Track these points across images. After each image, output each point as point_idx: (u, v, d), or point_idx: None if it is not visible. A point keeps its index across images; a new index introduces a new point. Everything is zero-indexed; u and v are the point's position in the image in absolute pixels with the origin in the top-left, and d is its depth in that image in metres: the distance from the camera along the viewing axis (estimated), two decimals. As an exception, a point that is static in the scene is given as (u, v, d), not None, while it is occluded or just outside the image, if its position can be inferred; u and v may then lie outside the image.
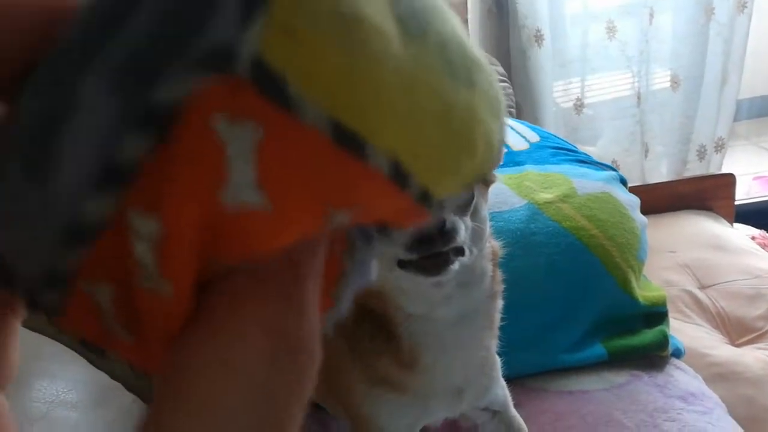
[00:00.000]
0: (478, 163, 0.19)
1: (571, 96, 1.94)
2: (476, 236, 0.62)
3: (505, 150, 1.28)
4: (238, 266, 0.17)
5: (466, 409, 0.78)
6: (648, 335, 1.08)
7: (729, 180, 1.77)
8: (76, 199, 0.15)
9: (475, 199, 0.62)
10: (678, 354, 1.10)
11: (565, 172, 1.19)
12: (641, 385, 0.99)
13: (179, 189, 0.15)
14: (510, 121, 1.42)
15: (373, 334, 0.68)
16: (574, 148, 1.34)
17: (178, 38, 0.14)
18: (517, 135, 1.34)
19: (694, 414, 0.94)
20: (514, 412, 0.80)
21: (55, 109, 0.15)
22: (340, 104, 0.15)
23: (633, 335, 1.08)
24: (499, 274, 0.71)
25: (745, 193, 2.13)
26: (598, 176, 1.21)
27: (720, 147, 1.92)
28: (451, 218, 0.56)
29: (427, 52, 0.16)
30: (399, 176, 0.16)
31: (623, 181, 1.26)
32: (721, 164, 1.94)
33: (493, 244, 0.70)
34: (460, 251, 0.59)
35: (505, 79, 1.73)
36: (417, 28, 0.16)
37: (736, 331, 1.47)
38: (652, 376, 1.02)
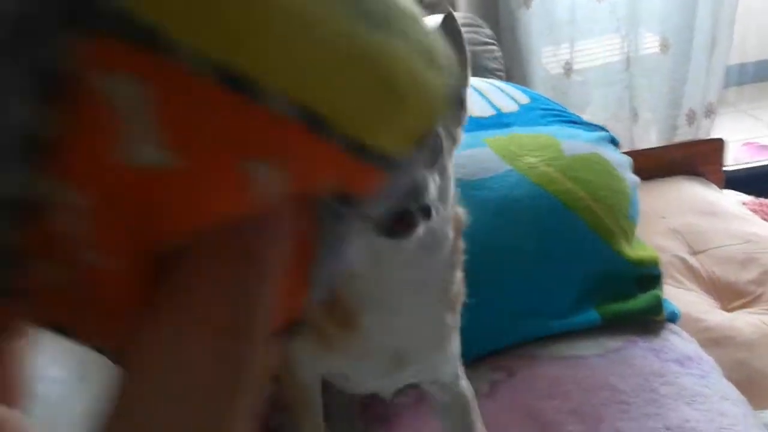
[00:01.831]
0: (416, 113, 0.19)
1: (560, 60, 1.90)
2: (442, 195, 0.56)
3: (494, 112, 1.24)
4: (189, 248, 0.17)
5: (409, 381, 0.74)
6: (642, 299, 1.05)
7: (719, 145, 1.75)
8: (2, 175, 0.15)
9: (442, 154, 0.57)
10: (673, 318, 1.08)
11: (553, 133, 1.16)
12: (636, 350, 0.97)
13: (81, 153, 0.15)
14: (500, 83, 1.38)
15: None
16: (564, 110, 1.31)
17: (56, 3, 0.14)
18: (506, 96, 1.29)
19: (690, 377, 0.92)
20: (463, 384, 0.76)
21: None
22: (223, 47, 0.14)
23: (626, 300, 1.06)
24: (461, 245, 0.66)
25: (733, 160, 2.11)
26: (587, 137, 1.18)
27: (710, 112, 1.89)
28: (421, 173, 0.51)
29: None
30: (313, 122, 0.16)
31: (614, 142, 1.23)
32: (710, 129, 1.92)
33: (457, 212, 0.64)
34: (427, 211, 0.52)
35: (493, 41, 1.68)
36: None
37: (728, 296, 1.45)
38: (648, 341, 1.00)
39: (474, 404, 0.77)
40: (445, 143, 0.58)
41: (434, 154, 0.55)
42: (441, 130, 0.58)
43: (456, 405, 0.76)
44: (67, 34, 0.14)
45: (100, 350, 0.22)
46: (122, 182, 0.16)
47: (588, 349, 0.98)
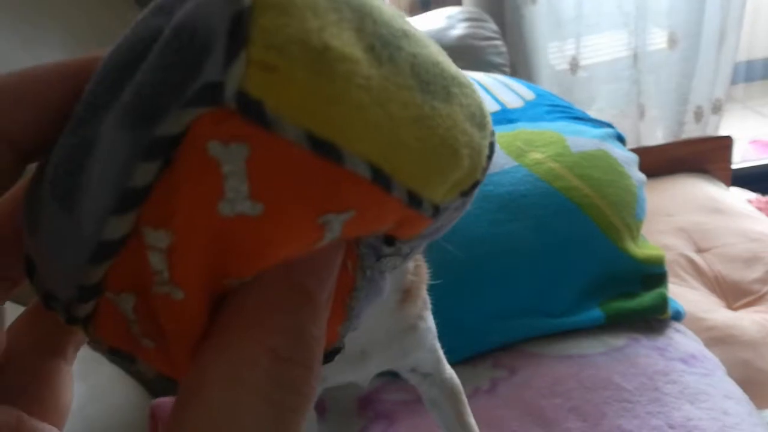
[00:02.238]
0: (467, 169, 0.22)
1: (566, 56, 1.89)
2: None
3: (499, 108, 1.23)
4: (251, 283, 0.20)
5: (383, 368, 0.74)
6: (646, 298, 1.04)
7: (726, 142, 1.74)
8: (100, 221, 0.18)
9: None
10: (678, 317, 1.07)
11: (559, 129, 1.15)
12: (640, 348, 0.96)
13: (184, 204, 0.18)
14: (504, 78, 1.37)
15: None
16: (570, 106, 1.29)
17: (178, 82, 0.17)
18: (511, 92, 1.28)
19: (695, 376, 0.91)
20: (447, 374, 0.76)
21: (80, 145, 0.19)
22: (312, 119, 0.18)
23: (631, 298, 1.05)
24: None
25: (740, 158, 2.10)
26: (593, 133, 1.17)
27: (717, 108, 1.87)
28: None
29: (398, 72, 0.19)
30: (381, 179, 0.19)
31: (621, 139, 1.22)
32: (718, 126, 1.90)
33: None
34: None
35: (498, 36, 1.67)
36: (387, 53, 0.19)
37: (733, 294, 1.44)
38: (652, 339, 0.99)
39: (463, 396, 0.76)
40: None
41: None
42: None
43: (445, 396, 0.76)
44: (189, 109, 0.17)
45: (161, 377, 0.24)
46: (211, 228, 0.18)
47: (591, 347, 0.97)
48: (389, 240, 0.23)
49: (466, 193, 0.24)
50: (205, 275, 0.19)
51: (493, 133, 0.24)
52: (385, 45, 0.20)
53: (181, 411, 0.19)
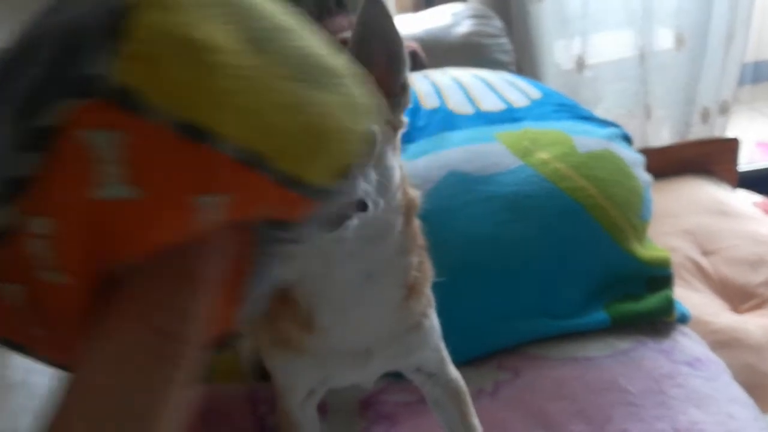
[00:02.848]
0: (340, 152, 0.24)
1: (572, 55, 1.87)
2: (381, 188, 0.55)
3: (505, 107, 1.21)
4: (138, 266, 0.21)
5: (388, 368, 0.74)
6: (652, 300, 1.04)
7: (733, 145, 1.72)
8: None
9: (377, 147, 0.55)
10: (683, 320, 1.06)
11: (565, 129, 1.14)
12: (646, 351, 0.95)
13: (61, 190, 0.18)
14: (510, 76, 1.36)
15: (275, 296, 0.62)
16: (576, 105, 1.28)
17: (57, 76, 0.18)
18: (518, 91, 1.27)
19: (700, 380, 0.91)
20: (452, 374, 0.76)
21: None
22: (182, 106, 0.19)
23: (636, 300, 1.04)
24: (417, 227, 0.65)
25: (746, 160, 2.08)
26: (600, 133, 1.15)
27: (724, 109, 1.85)
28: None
29: (275, 62, 0.21)
30: (252, 161, 0.20)
31: (627, 139, 1.21)
32: (725, 127, 1.88)
33: (409, 196, 0.63)
34: (361, 205, 0.52)
35: (503, 33, 1.66)
36: (265, 45, 0.21)
37: (739, 297, 1.43)
38: (657, 342, 0.98)
39: (467, 397, 0.76)
40: (382, 135, 0.56)
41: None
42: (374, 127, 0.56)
43: (449, 397, 0.75)
44: (65, 101, 0.18)
45: (52, 364, 0.25)
46: (89, 213, 0.19)
47: (596, 350, 0.96)
48: (279, 224, 0.24)
49: (347, 176, 0.26)
50: (88, 259, 0.20)
51: (380, 123, 0.28)
52: (265, 38, 0.21)
53: (71, 396, 0.21)
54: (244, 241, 0.24)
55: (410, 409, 0.90)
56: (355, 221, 0.52)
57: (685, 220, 1.59)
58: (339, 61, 0.24)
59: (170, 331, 0.21)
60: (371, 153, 0.59)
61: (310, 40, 0.23)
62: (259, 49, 0.20)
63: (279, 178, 0.21)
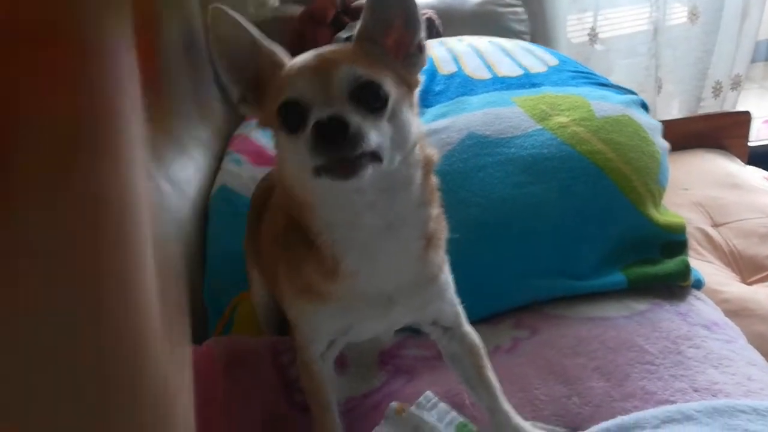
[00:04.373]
0: None
1: (585, 27, 1.86)
2: (396, 142, 0.59)
3: (522, 72, 1.21)
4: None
5: (403, 322, 0.76)
6: (669, 264, 1.04)
7: (745, 118, 1.72)
8: None
9: (390, 101, 0.58)
10: (698, 285, 1.06)
11: (584, 94, 1.13)
12: (663, 313, 0.96)
13: None
14: (527, 44, 1.35)
15: (298, 244, 0.65)
16: (593, 72, 1.28)
17: None
18: (534, 58, 1.26)
19: (718, 342, 0.91)
20: (467, 328, 0.77)
21: None
22: None
23: (653, 264, 1.04)
24: (434, 183, 0.67)
25: (754, 136, 2.08)
26: (618, 99, 1.15)
27: (736, 84, 1.85)
28: (356, 122, 0.54)
29: None
30: None
31: (645, 106, 1.20)
32: (735, 103, 1.88)
33: (426, 153, 0.66)
34: (376, 156, 0.56)
35: (519, 3, 1.65)
36: None
37: (748, 269, 1.43)
38: (674, 305, 0.98)
39: (483, 351, 0.76)
40: (396, 92, 0.59)
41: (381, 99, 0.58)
42: (387, 81, 0.59)
43: (464, 351, 0.76)
44: None
45: None
46: None
47: (614, 310, 0.96)
48: None
49: None
50: None
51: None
52: None
53: None
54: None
55: (428, 364, 0.90)
56: (370, 171, 0.55)
57: (696, 192, 1.59)
58: None
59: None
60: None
61: None
62: None
63: None
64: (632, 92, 1.23)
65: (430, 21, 1.54)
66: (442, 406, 0.81)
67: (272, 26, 1.48)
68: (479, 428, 0.79)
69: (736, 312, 1.29)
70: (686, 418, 0.72)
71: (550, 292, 0.99)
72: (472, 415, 0.81)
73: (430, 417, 0.80)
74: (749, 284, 1.41)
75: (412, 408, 0.81)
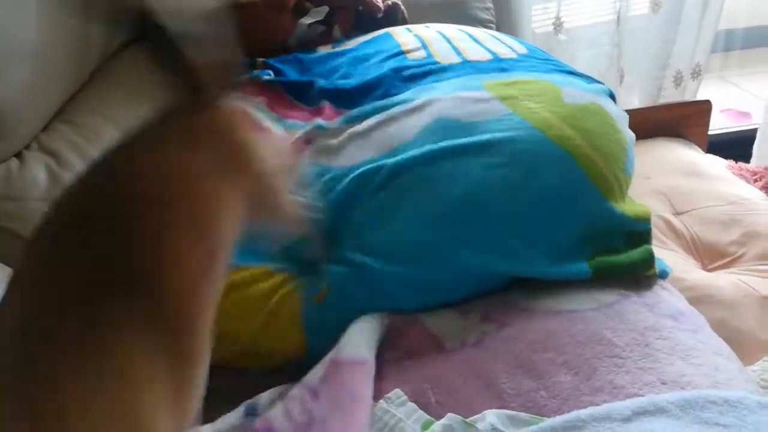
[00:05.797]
0: None
1: (549, 17, 1.86)
2: None
3: (492, 57, 1.19)
4: None
5: None
6: (634, 254, 1.03)
7: (707, 107, 1.74)
8: None
9: None
10: (663, 275, 1.06)
11: (553, 81, 1.12)
12: (630, 305, 0.95)
13: None
14: (495, 33, 1.33)
15: None
16: (561, 62, 1.27)
17: None
18: (504, 45, 1.25)
19: (684, 332, 0.91)
20: None
21: None
22: None
23: (617, 254, 1.04)
24: None
25: (712, 126, 2.11)
26: (587, 88, 1.15)
27: (697, 74, 1.87)
28: None
29: None
30: None
31: (612, 96, 1.20)
32: (696, 93, 1.91)
33: None
34: None
35: (485, -9, 1.63)
36: None
37: (710, 256, 1.46)
38: (641, 296, 0.98)
39: None
40: None
41: None
42: None
43: None
44: None
45: None
46: None
47: (581, 302, 0.95)
48: None
49: None
50: None
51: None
52: None
53: None
54: None
55: (397, 364, 0.88)
56: None
57: (657, 181, 1.61)
58: None
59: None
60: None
61: None
62: None
63: None
64: (600, 82, 1.23)
65: (395, 6, 1.52)
66: (410, 405, 0.80)
67: (231, 12, 1.43)
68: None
69: (699, 299, 1.31)
70: (659, 410, 0.72)
71: (512, 269, 0.97)
72: (437, 414, 0.80)
73: (399, 412, 0.79)
74: (710, 271, 1.44)
75: (381, 402, 0.80)
